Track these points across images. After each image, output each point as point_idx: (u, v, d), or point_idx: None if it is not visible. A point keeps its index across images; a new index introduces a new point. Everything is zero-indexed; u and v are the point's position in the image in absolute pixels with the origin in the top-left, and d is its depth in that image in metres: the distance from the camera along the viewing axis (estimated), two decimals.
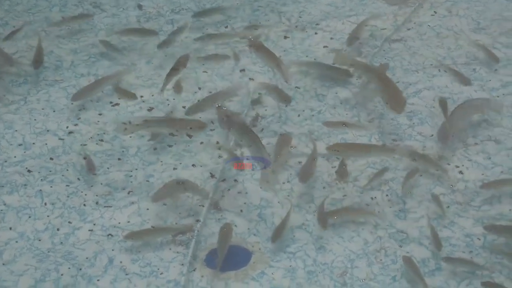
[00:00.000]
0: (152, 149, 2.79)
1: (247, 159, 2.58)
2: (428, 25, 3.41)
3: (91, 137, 2.85)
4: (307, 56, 3.24)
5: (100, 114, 2.95)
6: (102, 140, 2.84)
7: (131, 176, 2.69)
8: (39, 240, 2.47)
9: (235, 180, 2.67)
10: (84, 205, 2.59)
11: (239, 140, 2.57)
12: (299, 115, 2.93)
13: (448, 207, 2.55)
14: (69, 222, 2.53)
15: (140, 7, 3.57)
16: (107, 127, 2.89)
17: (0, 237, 2.47)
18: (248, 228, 2.50)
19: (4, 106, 3.00)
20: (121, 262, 2.40)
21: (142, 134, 2.82)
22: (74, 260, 2.40)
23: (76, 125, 2.91)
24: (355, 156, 2.69)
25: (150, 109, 2.97)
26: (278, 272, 2.36)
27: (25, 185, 2.66)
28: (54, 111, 2.97)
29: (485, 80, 3.07)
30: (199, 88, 3.07)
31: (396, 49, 3.27)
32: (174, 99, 3.00)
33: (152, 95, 3.03)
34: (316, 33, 3.38)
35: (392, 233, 2.47)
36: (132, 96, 2.98)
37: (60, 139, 2.85)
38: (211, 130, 2.82)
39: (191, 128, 2.70)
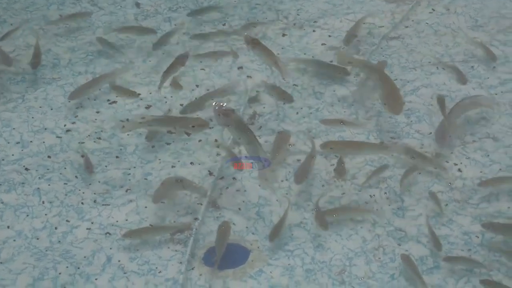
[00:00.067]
0: (150, 147, 2.79)
1: (246, 158, 2.58)
2: (426, 23, 3.41)
3: (88, 135, 2.85)
4: (305, 54, 3.24)
5: (97, 112, 2.95)
6: (100, 138, 2.84)
7: (129, 174, 2.69)
8: (37, 239, 2.46)
9: (234, 178, 2.66)
10: (82, 203, 2.58)
11: (236, 137, 2.56)
12: (297, 113, 2.93)
13: (447, 205, 2.55)
14: (67, 221, 2.52)
15: (137, 5, 3.57)
16: (105, 125, 2.89)
17: None
18: (246, 226, 2.50)
19: (2, 104, 2.99)
20: (119, 260, 2.40)
21: (140, 132, 2.82)
22: (72, 258, 2.40)
23: (73, 123, 2.90)
24: (349, 153, 2.69)
25: (147, 107, 2.97)
26: (276, 270, 2.36)
27: (22, 183, 2.66)
28: (51, 109, 2.96)
29: (483, 78, 3.07)
30: (197, 86, 3.06)
31: (394, 47, 3.27)
32: (171, 96, 3.00)
33: (150, 93, 3.03)
34: (314, 31, 3.37)
35: (390, 231, 2.47)
36: (133, 95, 2.98)
37: (57, 137, 2.84)
38: (210, 128, 2.82)
39: (193, 126, 2.70)
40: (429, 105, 2.94)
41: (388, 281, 2.32)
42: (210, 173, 2.68)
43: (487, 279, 2.30)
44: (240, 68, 3.15)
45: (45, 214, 2.55)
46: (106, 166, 2.72)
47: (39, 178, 2.68)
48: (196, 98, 2.96)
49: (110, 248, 2.43)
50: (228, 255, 2.37)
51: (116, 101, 2.99)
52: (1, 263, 2.39)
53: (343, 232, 2.47)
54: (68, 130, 2.87)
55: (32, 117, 2.93)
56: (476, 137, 2.80)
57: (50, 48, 3.29)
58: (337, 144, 2.73)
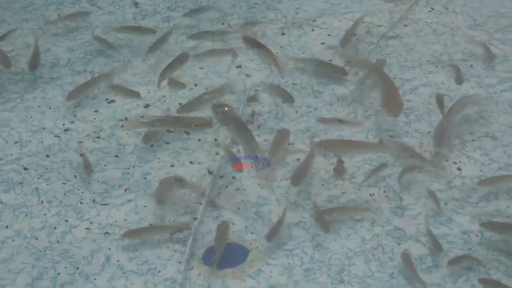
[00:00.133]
0: (149, 147, 2.79)
1: (245, 158, 2.57)
2: (425, 22, 3.41)
3: (87, 135, 2.84)
4: (303, 53, 3.24)
5: (96, 112, 2.95)
6: (98, 138, 2.83)
7: (128, 173, 2.69)
8: (36, 239, 2.46)
9: (233, 178, 2.66)
10: (81, 203, 2.58)
11: (234, 136, 2.56)
12: (296, 112, 2.93)
13: (446, 203, 2.55)
14: (66, 220, 2.52)
15: (136, 4, 3.56)
16: (104, 125, 2.88)
17: None
18: (245, 226, 2.50)
19: (0, 104, 2.99)
20: (118, 260, 2.39)
21: (139, 132, 2.82)
22: (71, 258, 2.40)
23: (72, 122, 2.90)
24: (345, 152, 2.69)
25: (146, 106, 2.96)
26: (275, 270, 2.36)
27: (21, 183, 2.66)
28: (50, 109, 2.96)
29: (482, 77, 3.07)
30: (195, 85, 3.06)
31: (393, 46, 3.27)
32: (170, 95, 3.00)
33: (149, 92, 3.03)
34: (312, 30, 3.37)
35: (389, 230, 2.47)
36: (135, 95, 2.98)
37: (56, 136, 2.84)
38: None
39: (196, 126, 2.70)
40: (428, 104, 2.94)
41: (387, 280, 2.32)
42: (209, 173, 2.68)
43: (486, 278, 2.30)
44: (238, 67, 3.15)
45: (44, 214, 2.54)
46: (105, 166, 2.72)
47: (38, 177, 2.67)
48: (194, 97, 2.96)
49: (109, 248, 2.43)
50: (227, 255, 2.37)
51: (115, 100, 2.99)
52: (0, 263, 2.39)
53: (342, 231, 2.47)
54: (66, 130, 2.87)
55: (31, 117, 2.92)
56: (475, 136, 2.80)
57: (49, 48, 3.28)
58: (332, 143, 2.72)
